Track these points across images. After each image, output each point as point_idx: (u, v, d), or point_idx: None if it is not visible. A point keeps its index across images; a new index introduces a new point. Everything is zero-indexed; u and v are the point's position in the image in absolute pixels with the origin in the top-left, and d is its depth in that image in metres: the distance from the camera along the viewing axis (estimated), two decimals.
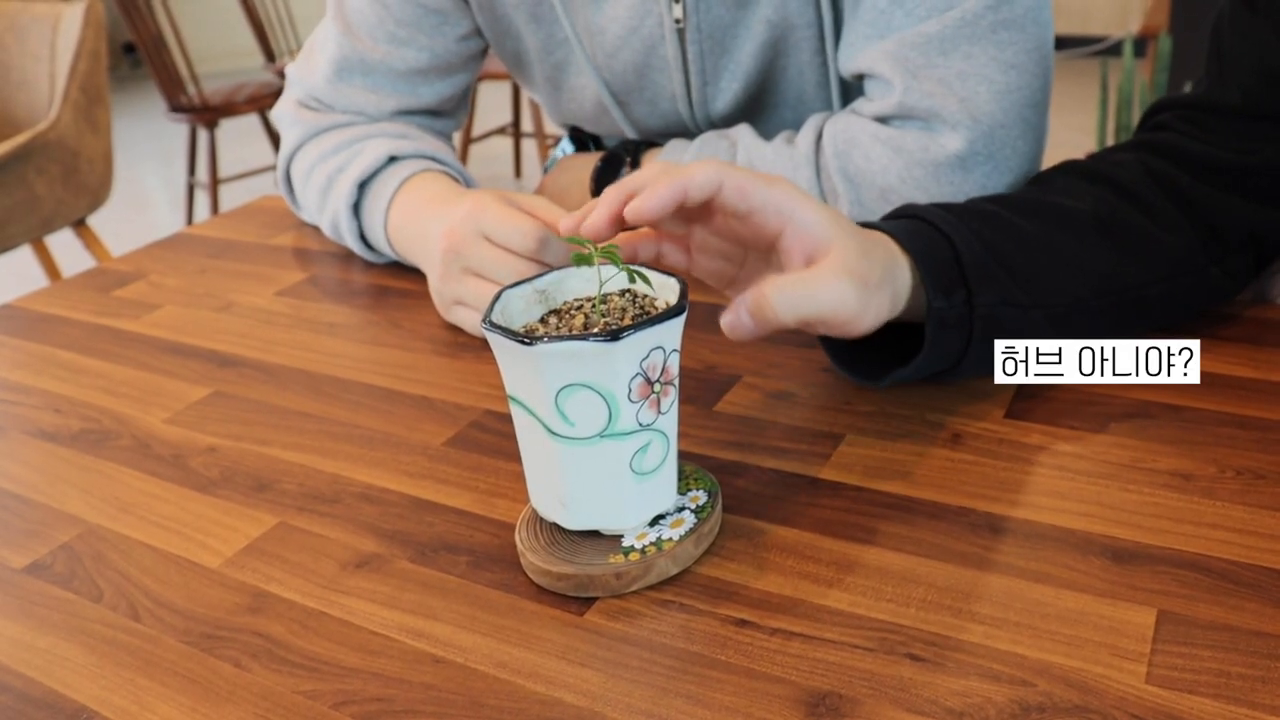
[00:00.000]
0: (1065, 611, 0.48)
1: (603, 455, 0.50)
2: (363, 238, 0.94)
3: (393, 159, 0.91)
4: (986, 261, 0.62)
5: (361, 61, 0.96)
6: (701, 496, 0.56)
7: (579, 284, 0.55)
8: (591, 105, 0.99)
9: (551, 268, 0.62)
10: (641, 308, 0.53)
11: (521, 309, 0.54)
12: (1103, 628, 0.47)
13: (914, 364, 0.62)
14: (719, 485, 0.57)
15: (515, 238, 0.73)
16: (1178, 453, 0.59)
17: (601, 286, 0.55)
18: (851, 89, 0.90)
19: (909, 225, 0.63)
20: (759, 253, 0.61)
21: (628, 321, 0.51)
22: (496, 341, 0.49)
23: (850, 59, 0.82)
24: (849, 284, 0.55)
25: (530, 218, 0.74)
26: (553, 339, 0.47)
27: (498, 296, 0.53)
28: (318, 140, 0.96)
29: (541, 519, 0.55)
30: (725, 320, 0.55)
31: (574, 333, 0.50)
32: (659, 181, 0.55)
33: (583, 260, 0.53)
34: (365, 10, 0.94)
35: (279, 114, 1.02)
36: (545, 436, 0.50)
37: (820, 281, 0.55)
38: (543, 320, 0.53)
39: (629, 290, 0.55)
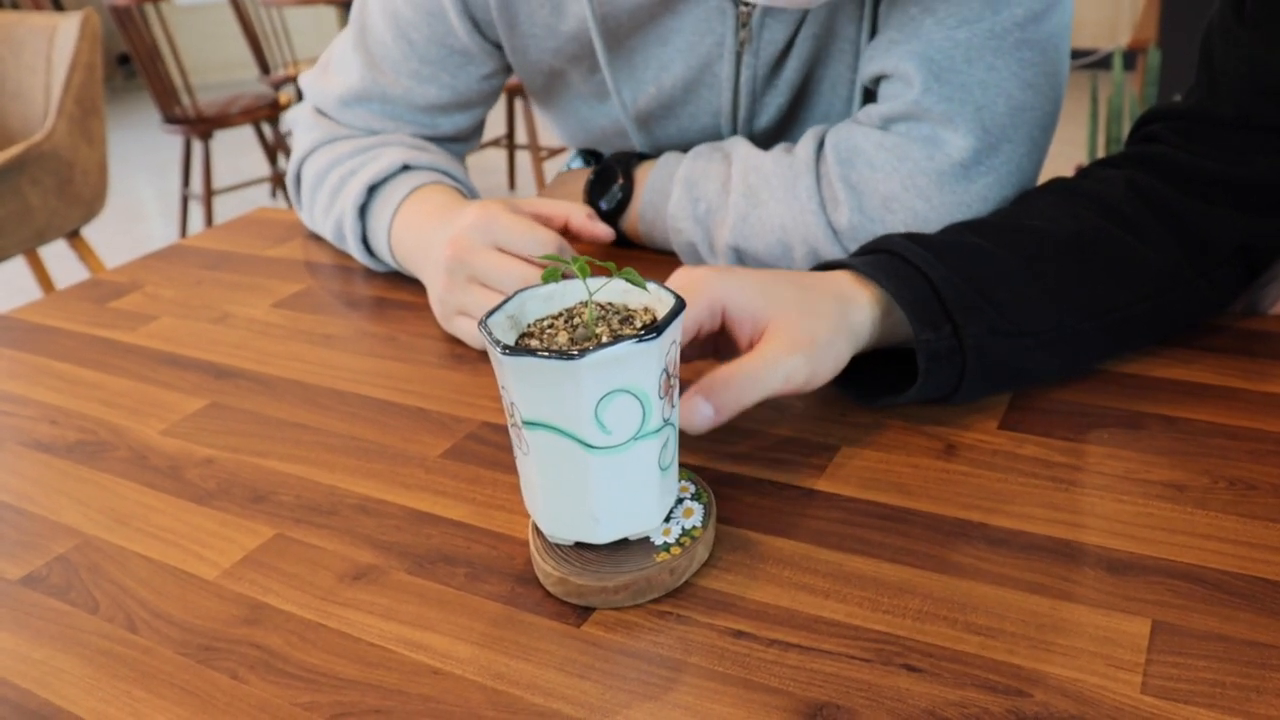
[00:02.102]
0: (1060, 622, 0.48)
1: (636, 457, 0.50)
2: (365, 243, 0.94)
3: (406, 167, 0.91)
4: (967, 295, 0.62)
5: (382, 93, 0.96)
6: (690, 486, 0.57)
7: (537, 305, 0.55)
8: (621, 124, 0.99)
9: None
10: (618, 311, 0.53)
11: (502, 337, 0.53)
12: (1098, 638, 0.47)
13: (909, 393, 0.63)
14: (714, 496, 0.57)
15: (531, 245, 0.74)
16: (1171, 464, 0.59)
17: (592, 295, 0.55)
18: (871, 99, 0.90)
19: (883, 261, 0.65)
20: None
21: (613, 328, 0.51)
22: (529, 366, 0.48)
23: (873, 60, 0.83)
24: (791, 357, 0.59)
25: (543, 226, 0.76)
26: (598, 347, 0.47)
27: (488, 330, 0.51)
28: (333, 145, 0.97)
29: (555, 546, 0.54)
30: (688, 419, 0.57)
31: (606, 340, 0.49)
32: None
33: (551, 276, 0.54)
34: (390, 45, 0.95)
35: (295, 116, 1.02)
36: (578, 452, 0.49)
37: (763, 364, 0.58)
38: (519, 342, 0.53)
39: (593, 301, 0.55)
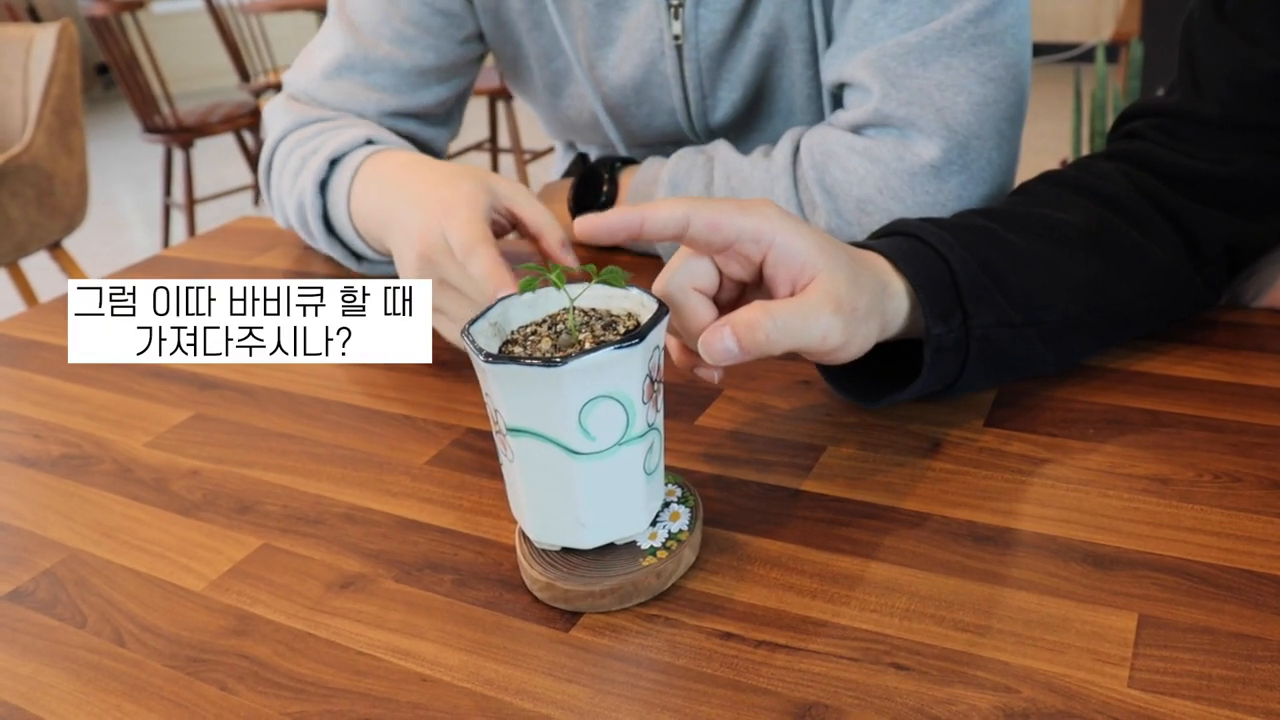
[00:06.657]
0: (1047, 617, 0.48)
1: (620, 463, 0.51)
2: (326, 221, 0.89)
3: (370, 142, 0.87)
4: (981, 282, 0.62)
5: (365, 59, 0.94)
6: (676, 489, 0.57)
7: (520, 312, 0.55)
8: (589, 115, 0.99)
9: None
10: (601, 317, 0.53)
11: (485, 344, 0.53)
12: (1085, 633, 0.47)
13: (912, 388, 0.62)
14: (700, 499, 0.57)
15: (466, 285, 0.69)
16: (1155, 458, 0.59)
17: (573, 301, 0.55)
18: (840, 102, 0.91)
19: (904, 245, 0.63)
20: (753, 282, 0.60)
21: (596, 334, 0.51)
22: (512, 373, 0.48)
23: (832, 69, 0.83)
24: (835, 315, 0.55)
25: (488, 272, 0.65)
26: (580, 354, 0.47)
27: (471, 338, 0.51)
28: (302, 130, 0.93)
29: (542, 552, 0.54)
30: (711, 344, 0.53)
31: (589, 346, 0.49)
32: (616, 210, 0.55)
33: (528, 286, 0.53)
34: (370, 8, 0.94)
35: (270, 109, 1.01)
36: (563, 459, 0.49)
37: (806, 311, 0.55)
38: (502, 349, 0.53)
39: (576, 307, 0.55)
